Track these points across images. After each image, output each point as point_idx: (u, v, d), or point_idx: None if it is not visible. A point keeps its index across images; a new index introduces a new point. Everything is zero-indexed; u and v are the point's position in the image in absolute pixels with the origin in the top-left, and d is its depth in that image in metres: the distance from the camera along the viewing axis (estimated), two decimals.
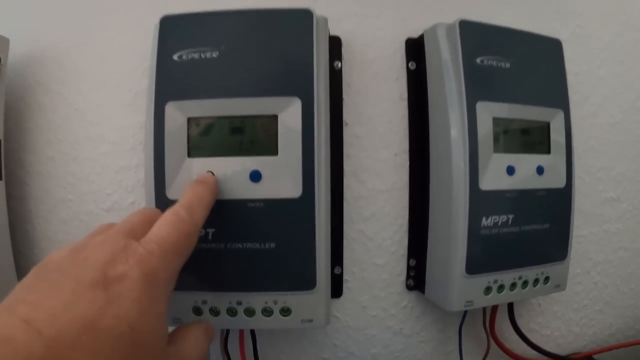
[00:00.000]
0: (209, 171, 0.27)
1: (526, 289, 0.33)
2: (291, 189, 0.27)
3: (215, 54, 0.28)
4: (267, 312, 0.28)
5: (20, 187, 0.37)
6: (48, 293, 0.16)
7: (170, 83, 0.28)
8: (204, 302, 0.28)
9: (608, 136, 0.42)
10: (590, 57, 0.41)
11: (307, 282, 0.27)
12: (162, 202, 0.27)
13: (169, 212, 0.22)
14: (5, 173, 0.34)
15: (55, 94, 0.36)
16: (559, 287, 0.34)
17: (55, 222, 0.36)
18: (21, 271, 0.35)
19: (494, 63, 0.31)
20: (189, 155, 0.27)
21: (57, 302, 0.16)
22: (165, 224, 0.21)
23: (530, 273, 0.32)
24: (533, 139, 0.33)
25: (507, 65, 0.31)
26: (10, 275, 0.34)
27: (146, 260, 0.18)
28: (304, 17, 0.28)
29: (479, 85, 0.30)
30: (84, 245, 0.19)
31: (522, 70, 0.32)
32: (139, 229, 0.21)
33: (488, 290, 0.31)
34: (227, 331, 0.31)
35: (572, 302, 0.42)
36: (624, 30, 0.43)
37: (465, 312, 0.35)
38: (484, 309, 0.35)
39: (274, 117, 0.27)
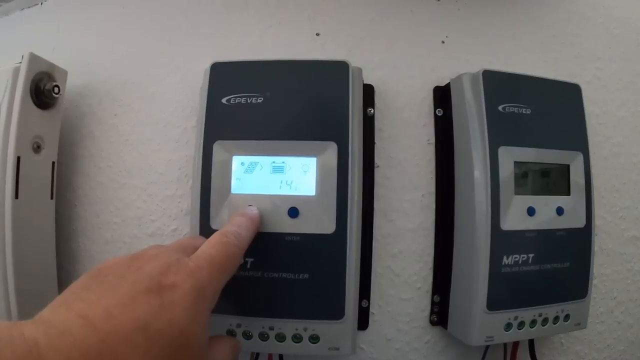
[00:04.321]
0: (250, 205, 0.29)
1: (546, 326, 0.33)
2: (326, 225, 0.29)
3: (260, 100, 0.30)
4: (297, 338, 0.29)
5: (68, 207, 0.40)
6: (105, 293, 0.18)
7: (219, 124, 0.31)
8: (238, 325, 0.29)
9: (630, 175, 0.42)
10: (611, 98, 0.42)
11: (336, 312, 0.29)
12: (207, 231, 0.29)
13: (218, 234, 0.24)
14: (55, 194, 0.37)
15: (108, 126, 0.39)
16: (580, 325, 0.35)
17: (100, 242, 0.39)
18: (63, 286, 0.37)
19: (516, 110, 0.33)
20: (233, 190, 0.30)
21: (113, 302, 0.17)
22: (214, 244, 0.23)
23: (550, 310, 0.33)
24: (553, 180, 0.34)
25: (528, 111, 0.33)
26: (52, 287, 0.36)
27: (195, 274, 0.20)
28: (341, 68, 0.31)
29: (501, 131, 0.32)
30: (138, 256, 0.20)
31: (542, 116, 0.33)
32: (189, 249, 0.23)
33: (508, 326, 0.32)
34: (257, 355, 0.33)
35: (596, 342, 0.41)
36: None
37: (487, 348, 0.36)
38: (505, 346, 0.36)
39: (313, 159, 0.30)
